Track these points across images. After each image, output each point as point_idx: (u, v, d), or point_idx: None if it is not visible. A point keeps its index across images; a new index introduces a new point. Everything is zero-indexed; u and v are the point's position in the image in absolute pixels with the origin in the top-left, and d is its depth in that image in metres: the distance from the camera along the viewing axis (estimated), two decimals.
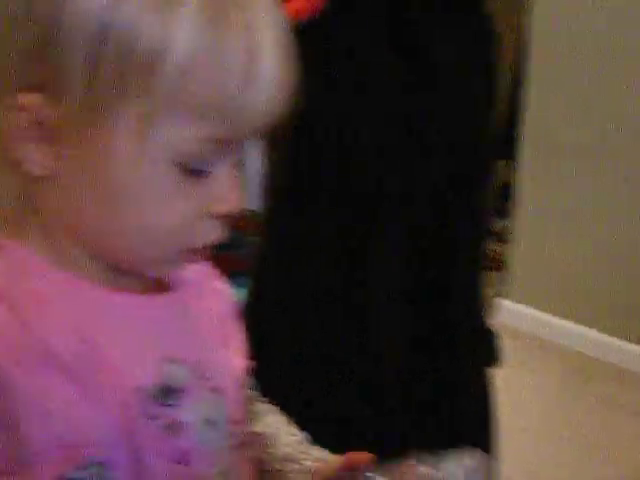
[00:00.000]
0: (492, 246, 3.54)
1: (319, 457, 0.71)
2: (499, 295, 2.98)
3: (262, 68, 0.52)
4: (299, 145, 1.17)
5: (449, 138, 1.19)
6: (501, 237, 3.28)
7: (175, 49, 0.49)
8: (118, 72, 0.50)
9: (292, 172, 1.21)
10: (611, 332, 2.65)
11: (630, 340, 2.61)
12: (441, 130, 1.18)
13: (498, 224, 3.35)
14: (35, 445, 0.51)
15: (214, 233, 0.57)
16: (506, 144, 3.23)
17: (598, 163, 2.66)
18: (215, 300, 0.68)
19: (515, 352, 2.68)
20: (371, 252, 1.18)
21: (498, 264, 3.13)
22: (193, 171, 0.54)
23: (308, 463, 0.70)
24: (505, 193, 3.13)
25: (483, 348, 1.38)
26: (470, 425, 1.31)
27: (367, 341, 1.22)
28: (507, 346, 2.57)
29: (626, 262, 2.62)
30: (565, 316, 2.78)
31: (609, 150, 2.63)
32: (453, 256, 1.23)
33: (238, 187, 0.56)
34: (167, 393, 0.58)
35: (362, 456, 0.67)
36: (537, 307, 2.88)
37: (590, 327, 2.72)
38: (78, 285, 0.57)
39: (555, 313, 2.82)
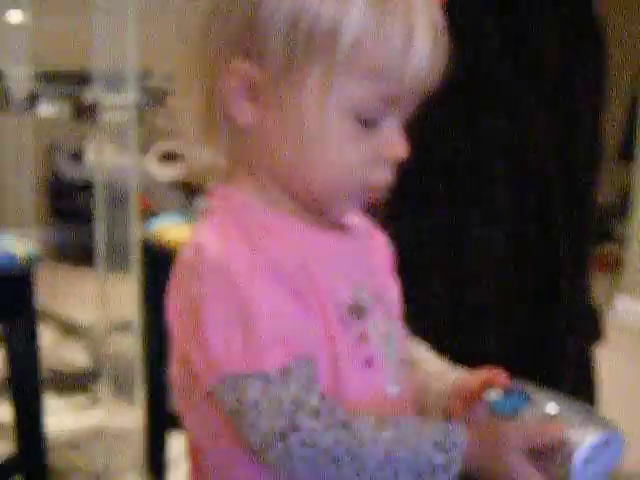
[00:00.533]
0: (609, 247, 3.59)
1: (459, 376, 0.79)
2: (617, 292, 3.04)
3: (417, 43, 0.65)
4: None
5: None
6: (618, 238, 3.32)
7: (349, 27, 0.64)
8: (307, 44, 0.64)
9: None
10: None
11: None
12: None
13: (617, 226, 3.39)
14: (264, 340, 0.64)
15: (384, 175, 0.70)
16: (626, 145, 3.26)
17: None
18: (381, 243, 0.81)
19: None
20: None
21: (615, 264, 3.18)
22: (366, 121, 0.67)
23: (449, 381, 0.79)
24: (624, 195, 3.16)
25: (588, 325, 1.45)
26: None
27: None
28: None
29: None
30: None
31: None
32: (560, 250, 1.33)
33: (403, 138, 0.70)
34: (357, 310, 0.71)
35: (497, 374, 0.75)
36: None
37: None
38: (290, 220, 0.70)
39: None
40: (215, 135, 0.71)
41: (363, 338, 0.71)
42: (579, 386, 1.39)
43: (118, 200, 2.09)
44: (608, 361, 2.51)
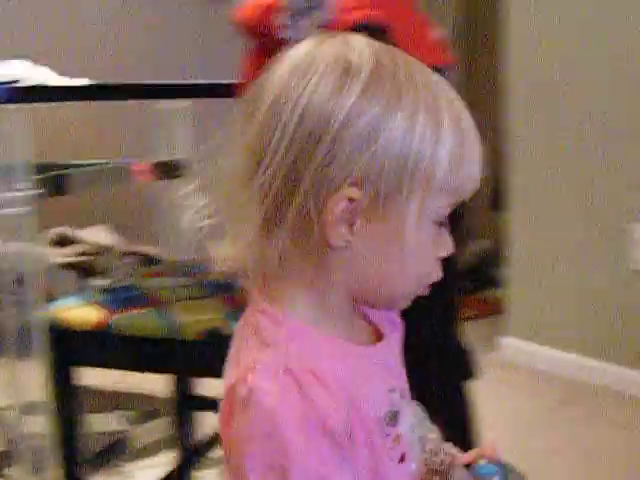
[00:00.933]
0: (493, 293, 3.82)
1: (450, 452, 0.89)
2: (500, 334, 3.24)
3: (476, 152, 0.77)
4: None
5: None
6: (499, 283, 3.53)
7: (443, 161, 0.73)
8: (411, 177, 0.72)
9: None
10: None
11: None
12: None
13: (497, 271, 3.60)
14: None
15: (439, 271, 0.79)
16: (495, 196, 3.48)
17: (574, 207, 2.95)
18: (398, 331, 0.87)
19: (519, 383, 2.92)
20: None
21: (497, 307, 3.38)
22: (440, 224, 0.77)
23: (443, 458, 0.87)
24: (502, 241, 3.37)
25: (461, 364, 1.61)
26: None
27: None
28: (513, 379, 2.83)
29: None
30: (563, 347, 3.00)
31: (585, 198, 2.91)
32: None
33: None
34: (393, 416, 0.77)
35: (490, 449, 0.87)
36: (534, 341, 3.10)
37: (582, 355, 2.93)
38: (342, 346, 0.75)
39: (552, 345, 3.04)
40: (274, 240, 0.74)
41: (397, 439, 0.78)
42: (454, 418, 1.54)
43: (17, 285, 2.15)
44: (494, 394, 2.72)
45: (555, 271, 3.04)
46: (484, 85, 4.34)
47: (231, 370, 0.75)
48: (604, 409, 2.64)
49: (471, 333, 3.46)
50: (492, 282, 3.98)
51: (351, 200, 0.72)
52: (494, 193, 3.49)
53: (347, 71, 0.72)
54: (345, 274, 0.75)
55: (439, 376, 1.53)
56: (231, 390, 0.71)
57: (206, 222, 0.77)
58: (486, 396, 2.74)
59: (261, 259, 0.75)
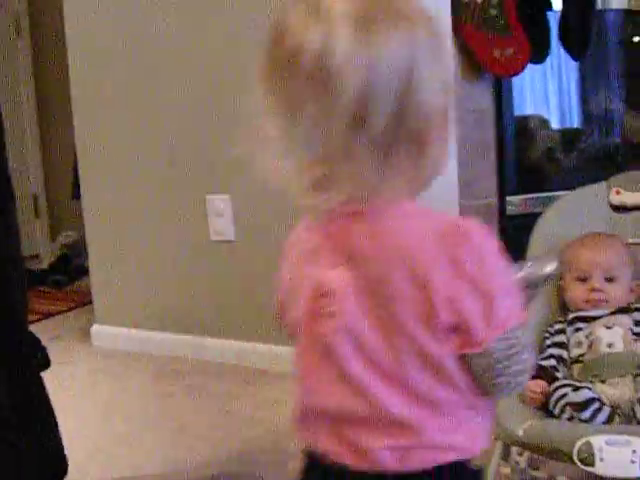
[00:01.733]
0: (82, 282, 3.81)
1: None
2: (93, 322, 3.25)
3: None
4: None
5: None
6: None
7: None
8: None
9: None
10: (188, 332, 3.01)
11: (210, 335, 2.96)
12: None
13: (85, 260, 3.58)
14: None
15: None
16: (75, 186, 3.47)
17: (152, 184, 3.04)
18: None
19: (112, 368, 2.96)
20: None
21: (89, 296, 3.38)
22: None
23: None
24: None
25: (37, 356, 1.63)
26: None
27: None
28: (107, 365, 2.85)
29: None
30: (152, 326, 3.09)
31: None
32: None
33: None
34: None
35: None
36: (123, 325, 3.16)
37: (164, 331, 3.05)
38: None
39: (141, 326, 3.12)
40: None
41: None
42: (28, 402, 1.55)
43: None
44: (90, 383, 2.73)
45: (136, 252, 3.12)
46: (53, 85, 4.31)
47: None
48: (205, 382, 2.76)
49: (65, 325, 3.46)
50: (82, 272, 3.97)
51: None
52: (75, 183, 3.48)
53: None
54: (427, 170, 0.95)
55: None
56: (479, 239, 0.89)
57: None
58: (82, 386, 2.76)
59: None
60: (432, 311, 0.87)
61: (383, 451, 0.90)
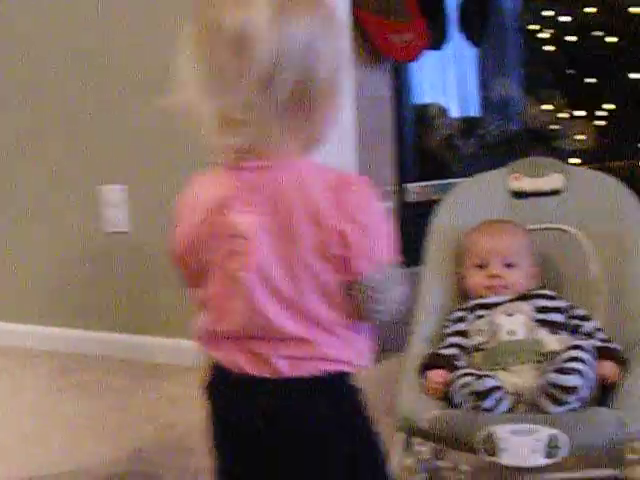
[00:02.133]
0: None
1: None
2: None
3: None
4: None
5: None
6: None
7: None
8: None
9: None
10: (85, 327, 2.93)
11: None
12: None
13: None
14: None
15: None
16: None
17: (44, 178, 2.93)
18: None
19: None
20: None
21: None
22: None
23: None
24: None
25: None
26: None
27: None
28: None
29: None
30: (46, 321, 3.00)
31: None
32: None
33: None
34: None
35: None
36: (17, 321, 3.07)
37: (62, 327, 2.97)
38: None
39: (35, 322, 3.02)
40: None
41: None
42: None
43: None
44: None
45: (28, 247, 3.03)
46: None
47: None
48: (101, 377, 2.69)
49: None
50: None
51: None
52: None
53: None
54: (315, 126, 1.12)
55: None
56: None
57: None
58: None
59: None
60: (326, 245, 1.05)
61: (281, 360, 1.07)
